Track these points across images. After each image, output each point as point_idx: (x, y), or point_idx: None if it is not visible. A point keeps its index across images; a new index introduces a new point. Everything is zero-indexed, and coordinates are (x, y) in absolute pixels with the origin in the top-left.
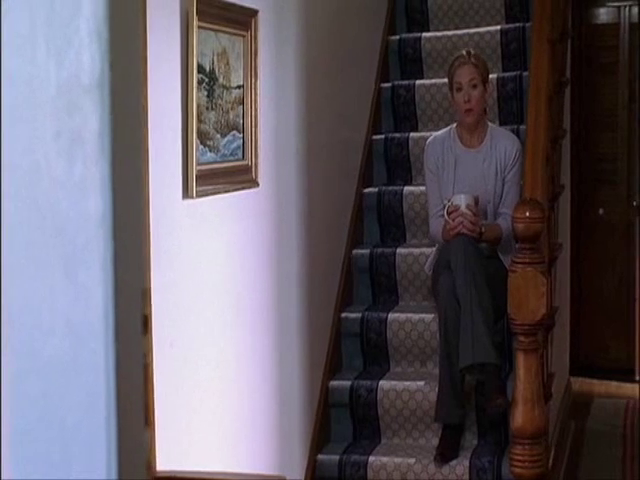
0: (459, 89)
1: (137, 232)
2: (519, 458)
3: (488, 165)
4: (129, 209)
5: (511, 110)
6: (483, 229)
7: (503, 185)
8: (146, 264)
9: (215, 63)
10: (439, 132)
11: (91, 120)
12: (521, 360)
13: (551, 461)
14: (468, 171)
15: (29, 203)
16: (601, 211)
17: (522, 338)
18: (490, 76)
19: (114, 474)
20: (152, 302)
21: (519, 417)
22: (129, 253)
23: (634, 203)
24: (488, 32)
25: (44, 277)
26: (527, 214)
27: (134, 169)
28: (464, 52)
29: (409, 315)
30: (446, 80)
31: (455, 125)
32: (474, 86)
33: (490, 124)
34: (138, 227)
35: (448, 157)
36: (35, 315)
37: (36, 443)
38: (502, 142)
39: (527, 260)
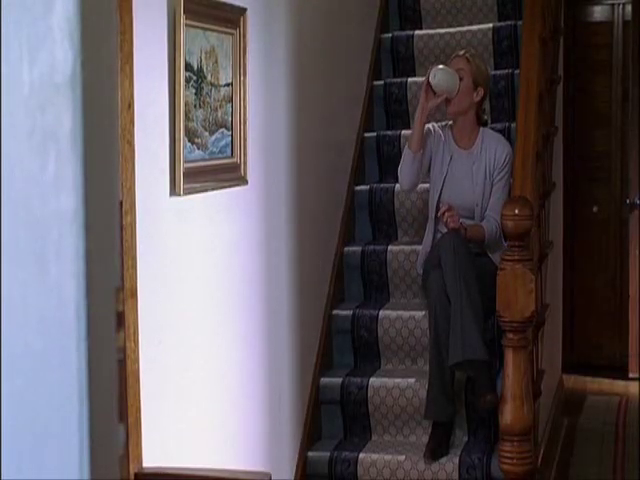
0: None
1: (110, 230)
2: (508, 455)
3: (477, 167)
4: (102, 207)
5: (503, 108)
6: (467, 228)
7: (491, 188)
8: (127, 262)
9: (203, 61)
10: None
11: (64, 118)
12: (510, 357)
13: (542, 458)
14: (459, 171)
15: (3, 200)
16: (595, 209)
17: (511, 335)
18: None
19: (86, 471)
20: (139, 299)
21: (508, 414)
22: (102, 251)
23: (627, 201)
24: (480, 30)
25: (16, 274)
26: (516, 211)
27: (108, 167)
28: (462, 51)
29: (400, 312)
30: None
31: (449, 124)
32: (460, 78)
33: (482, 127)
34: (111, 225)
35: (444, 152)
36: (7, 311)
37: (6, 441)
38: (493, 145)
39: (516, 257)
